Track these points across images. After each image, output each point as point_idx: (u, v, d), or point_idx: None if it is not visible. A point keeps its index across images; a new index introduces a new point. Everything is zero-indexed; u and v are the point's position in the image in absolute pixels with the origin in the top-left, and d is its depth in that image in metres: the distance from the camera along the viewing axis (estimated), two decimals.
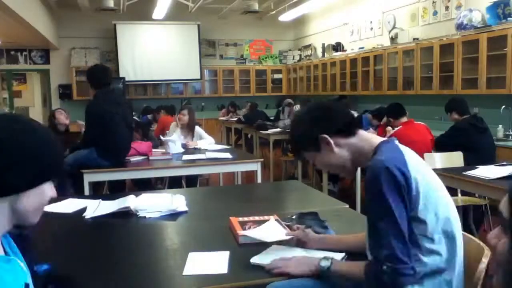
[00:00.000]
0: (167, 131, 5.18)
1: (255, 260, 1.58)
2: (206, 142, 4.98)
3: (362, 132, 1.49)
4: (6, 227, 1.01)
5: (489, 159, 4.20)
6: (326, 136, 1.45)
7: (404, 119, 4.63)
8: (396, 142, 1.44)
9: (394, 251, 1.27)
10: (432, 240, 1.32)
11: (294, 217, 1.97)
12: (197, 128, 5.21)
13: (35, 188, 1.00)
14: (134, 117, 7.31)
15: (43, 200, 1.03)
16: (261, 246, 1.71)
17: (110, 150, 3.80)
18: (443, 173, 3.10)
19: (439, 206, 1.34)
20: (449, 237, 1.35)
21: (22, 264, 1.04)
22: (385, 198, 1.27)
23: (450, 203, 1.40)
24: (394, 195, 1.28)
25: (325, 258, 1.46)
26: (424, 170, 1.37)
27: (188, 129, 5.14)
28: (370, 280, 1.33)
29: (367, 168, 1.36)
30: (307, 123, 1.49)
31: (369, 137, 1.49)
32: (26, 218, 1.03)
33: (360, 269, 1.37)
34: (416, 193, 1.30)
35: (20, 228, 1.11)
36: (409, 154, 1.38)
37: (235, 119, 9.02)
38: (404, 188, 1.29)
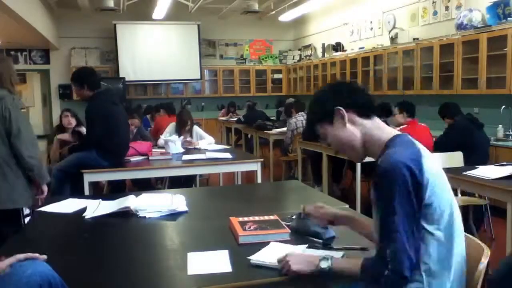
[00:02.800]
0: (166, 132, 5.15)
1: (254, 258, 1.58)
2: (206, 141, 4.97)
3: (378, 120, 1.50)
4: None
5: (484, 156, 4.26)
6: (341, 108, 1.46)
7: (410, 119, 4.76)
8: (409, 136, 1.44)
9: (405, 247, 1.28)
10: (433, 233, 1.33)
11: (294, 217, 1.98)
12: (195, 128, 5.20)
13: None
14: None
15: None
16: (261, 246, 1.72)
17: (111, 150, 3.79)
18: None
19: (442, 203, 1.34)
20: (448, 236, 1.34)
21: None
22: (403, 196, 1.29)
23: (455, 204, 1.40)
24: (405, 194, 1.29)
25: (325, 258, 1.43)
26: (436, 167, 1.38)
27: (187, 130, 5.12)
28: (367, 277, 1.34)
29: (380, 161, 1.36)
30: (326, 95, 1.52)
31: (384, 127, 1.48)
32: None
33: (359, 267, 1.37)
34: (425, 189, 1.32)
35: None
36: (423, 148, 1.39)
37: (235, 119, 9.03)
38: (416, 185, 1.30)
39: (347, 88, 1.52)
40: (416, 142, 1.42)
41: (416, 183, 1.29)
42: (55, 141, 4.52)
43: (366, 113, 1.47)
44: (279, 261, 1.49)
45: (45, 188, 3.00)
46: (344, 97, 1.48)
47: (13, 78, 2.94)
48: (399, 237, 1.28)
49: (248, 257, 1.58)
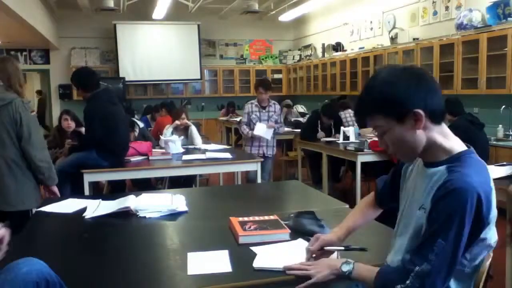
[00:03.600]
0: (164, 131, 5.14)
1: (258, 264, 1.56)
2: (195, 141, 4.98)
3: (444, 125, 1.34)
4: None
5: (484, 156, 4.25)
6: (423, 113, 1.25)
7: None
8: (476, 155, 1.32)
9: (435, 274, 1.20)
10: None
11: (292, 215, 1.99)
12: (192, 128, 5.18)
13: None
14: (134, 118, 7.26)
15: None
16: (261, 246, 1.72)
17: (111, 150, 3.79)
18: None
19: (493, 238, 1.31)
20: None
21: None
22: (462, 224, 1.19)
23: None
24: (470, 224, 1.20)
25: (347, 262, 1.40)
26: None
27: (184, 129, 5.11)
28: (379, 283, 1.29)
29: (451, 178, 1.23)
30: (411, 88, 1.25)
31: (448, 134, 1.34)
32: None
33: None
34: (486, 226, 1.25)
35: None
36: (489, 173, 1.30)
37: (238, 119, 8.99)
38: (477, 220, 1.21)
39: (430, 86, 1.28)
40: (485, 164, 1.32)
41: (478, 218, 1.21)
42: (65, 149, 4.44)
43: (439, 120, 1.31)
44: (293, 268, 1.47)
45: (55, 189, 3.05)
46: (426, 98, 1.26)
47: (21, 79, 2.97)
48: (436, 263, 1.19)
49: (253, 265, 1.56)
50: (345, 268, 1.38)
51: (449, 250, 1.20)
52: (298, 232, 1.86)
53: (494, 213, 1.25)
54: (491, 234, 1.28)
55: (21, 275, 1.30)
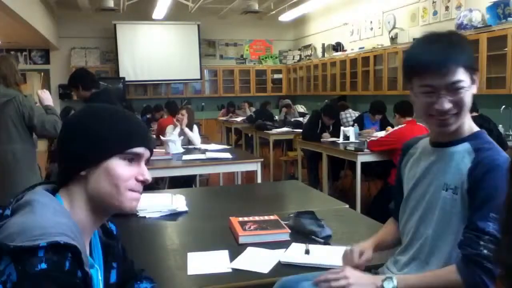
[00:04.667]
0: (166, 133, 5.15)
1: (285, 258, 1.60)
2: (193, 137, 5.00)
3: None
4: (91, 216, 1.03)
5: None
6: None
7: (408, 119, 4.74)
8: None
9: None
10: None
11: (291, 215, 1.99)
12: (194, 127, 5.18)
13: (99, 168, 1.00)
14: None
15: (114, 179, 1.02)
16: (262, 246, 1.72)
17: None
18: None
19: None
20: None
21: (100, 276, 1.05)
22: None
23: None
24: None
25: (388, 278, 1.25)
26: None
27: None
28: (466, 272, 1.19)
29: (485, 158, 1.24)
30: (470, 50, 1.29)
31: None
32: (104, 201, 1.03)
33: (447, 272, 1.22)
34: None
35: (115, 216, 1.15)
36: None
37: (239, 119, 8.98)
38: None
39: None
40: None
41: None
42: None
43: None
44: (328, 279, 1.29)
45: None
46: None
47: (17, 77, 3.01)
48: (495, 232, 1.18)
49: (280, 259, 1.59)
50: (388, 286, 1.24)
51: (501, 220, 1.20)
52: (298, 232, 1.86)
53: None
54: None
55: None
